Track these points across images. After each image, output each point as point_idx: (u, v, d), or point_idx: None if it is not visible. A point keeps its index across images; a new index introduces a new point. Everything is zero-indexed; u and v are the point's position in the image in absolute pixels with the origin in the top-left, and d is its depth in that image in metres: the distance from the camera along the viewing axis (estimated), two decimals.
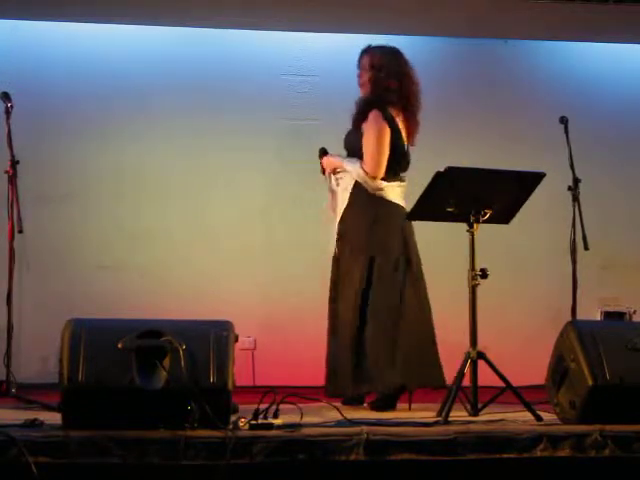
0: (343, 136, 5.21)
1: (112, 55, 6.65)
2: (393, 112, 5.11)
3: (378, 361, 4.95)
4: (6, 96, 5.10)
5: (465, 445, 3.76)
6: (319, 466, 3.66)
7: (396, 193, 5.10)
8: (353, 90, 5.24)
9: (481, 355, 4.51)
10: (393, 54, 5.20)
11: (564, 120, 5.45)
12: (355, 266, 5.05)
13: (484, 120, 6.89)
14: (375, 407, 4.91)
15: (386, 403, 4.92)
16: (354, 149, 5.13)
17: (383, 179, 5.06)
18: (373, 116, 5.07)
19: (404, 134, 5.15)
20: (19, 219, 4.90)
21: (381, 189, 5.05)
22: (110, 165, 6.64)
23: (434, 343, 5.04)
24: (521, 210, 4.71)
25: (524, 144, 6.76)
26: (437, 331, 5.08)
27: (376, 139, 5.04)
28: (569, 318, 5.12)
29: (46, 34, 6.62)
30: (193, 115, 6.67)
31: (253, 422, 3.77)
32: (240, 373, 3.94)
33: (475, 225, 4.55)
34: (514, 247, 6.70)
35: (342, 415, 4.10)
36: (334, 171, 5.18)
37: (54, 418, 3.79)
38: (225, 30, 6.72)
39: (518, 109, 6.95)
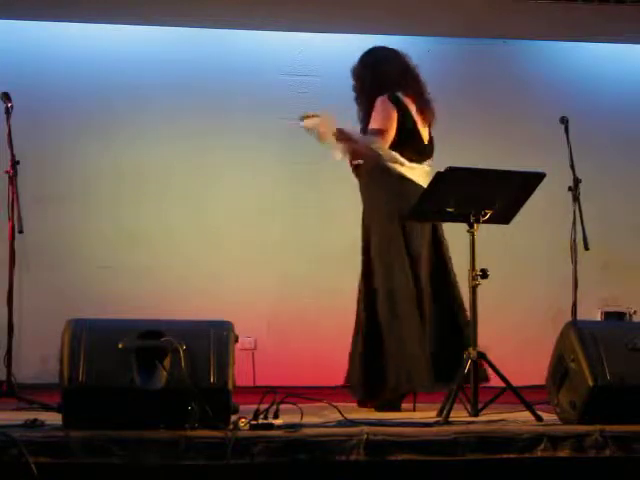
0: None
1: (112, 55, 6.67)
2: (405, 99, 5.04)
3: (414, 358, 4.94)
4: (6, 96, 5.09)
5: (465, 445, 3.75)
6: (319, 466, 3.65)
7: (415, 173, 5.00)
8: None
9: (481, 355, 4.51)
10: (386, 54, 5.13)
11: (564, 120, 5.43)
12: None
13: (484, 120, 6.89)
14: (382, 408, 4.86)
15: (394, 404, 4.89)
16: None
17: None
18: (380, 101, 4.98)
19: (418, 120, 5.05)
20: (19, 219, 4.88)
21: (398, 162, 4.95)
22: (110, 165, 6.65)
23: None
24: (521, 210, 4.70)
25: (524, 144, 6.76)
26: None
27: (381, 116, 4.95)
28: (569, 318, 5.10)
29: (46, 34, 6.63)
30: (193, 115, 6.67)
31: (253, 422, 3.76)
32: (240, 373, 3.93)
33: (475, 225, 4.54)
34: (514, 247, 6.70)
35: (342, 415, 4.09)
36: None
37: (54, 418, 3.78)
38: (225, 30, 6.73)
39: (518, 109, 6.96)
